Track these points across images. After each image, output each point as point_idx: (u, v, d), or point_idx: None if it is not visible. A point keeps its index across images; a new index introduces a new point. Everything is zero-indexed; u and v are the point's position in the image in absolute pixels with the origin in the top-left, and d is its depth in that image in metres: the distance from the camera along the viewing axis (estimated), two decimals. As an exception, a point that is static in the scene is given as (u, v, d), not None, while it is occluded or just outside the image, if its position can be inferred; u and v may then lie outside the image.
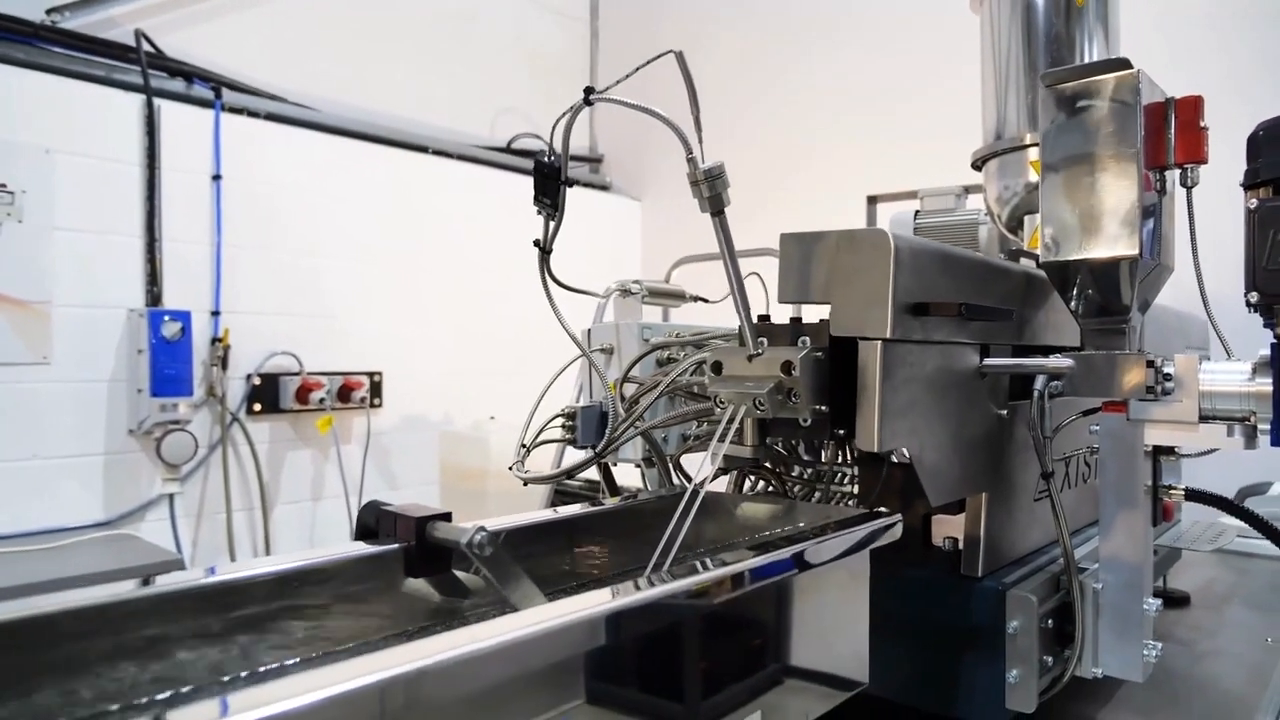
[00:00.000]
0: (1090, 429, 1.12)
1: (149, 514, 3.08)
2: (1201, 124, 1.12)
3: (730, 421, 0.81)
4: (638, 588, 0.58)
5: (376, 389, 3.69)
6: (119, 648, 0.56)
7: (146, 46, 3.26)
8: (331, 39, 3.98)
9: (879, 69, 3.98)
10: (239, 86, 3.53)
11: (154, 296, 3.10)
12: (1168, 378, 1.06)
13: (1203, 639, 1.68)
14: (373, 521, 0.71)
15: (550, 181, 0.88)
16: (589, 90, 0.81)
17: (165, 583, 0.60)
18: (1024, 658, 1.03)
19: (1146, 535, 1.11)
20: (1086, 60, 1.67)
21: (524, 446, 1.27)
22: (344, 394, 3.53)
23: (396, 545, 0.68)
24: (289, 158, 3.58)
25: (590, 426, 1.30)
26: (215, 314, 3.27)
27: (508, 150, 4.69)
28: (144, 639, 0.56)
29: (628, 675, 0.60)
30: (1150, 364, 1.07)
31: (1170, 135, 1.12)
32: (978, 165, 1.76)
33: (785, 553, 0.72)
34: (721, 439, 0.79)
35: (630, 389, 1.20)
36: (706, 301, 1.60)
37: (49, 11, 3.14)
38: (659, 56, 0.81)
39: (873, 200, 2.02)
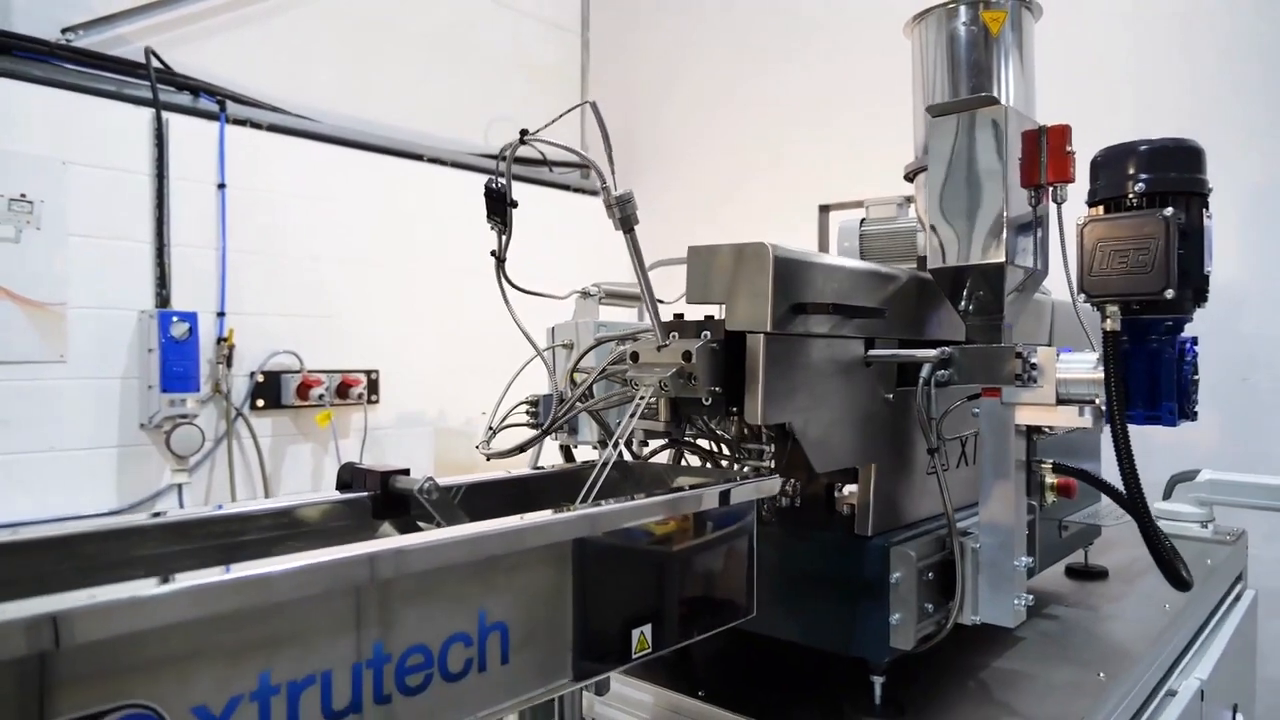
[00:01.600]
0: (973, 412, 1.31)
1: (159, 503, 3.26)
2: (1069, 149, 1.30)
3: (642, 399, 0.99)
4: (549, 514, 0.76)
5: (374, 386, 3.88)
6: (130, 560, 0.74)
7: (155, 63, 3.45)
8: (331, 51, 4.17)
9: (834, 86, 4.24)
10: (242, 99, 3.72)
11: (163, 299, 3.30)
12: (1033, 367, 1.24)
13: (1108, 605, 1.87)
14: (348, 477, 0.90)
15: (498, 203, 1.06)
16: (523, 132, 0.99)
17: (175, 513, 0.78)
18: (905, 604, 1.21)
19: (1019, 502, 1.29)
20: (1003, 82, 1.85)
21: (490, 429, 1.45)
22: (342, 391, 3.72)
23: (366, 494, 0.87)
24: (290, 166, 3.77)
25: (550, 411, 1.49)
26: (220, 315, 3.46)
27: (500, 157, 4.87)
28: (154, 555, 0.74)
29: (535, 585, 0.78)
30: (1019, 355, 1.25)
31: (1043, 158, 1.31)
32: (909, 178, 1.94)
33: (681, 495, 0.90)
34: (634, 415, 0.98)
35: (580, 378, 1.38)
36: (662, 301, 1.78)
37: (64, 30, 3.33)
38: (576, 106, 0.99)
39: (825, 209, 2.20)
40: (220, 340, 3.43)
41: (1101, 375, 1.16)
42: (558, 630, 0.77)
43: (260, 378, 3.54)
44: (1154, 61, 3.42)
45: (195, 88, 3.60)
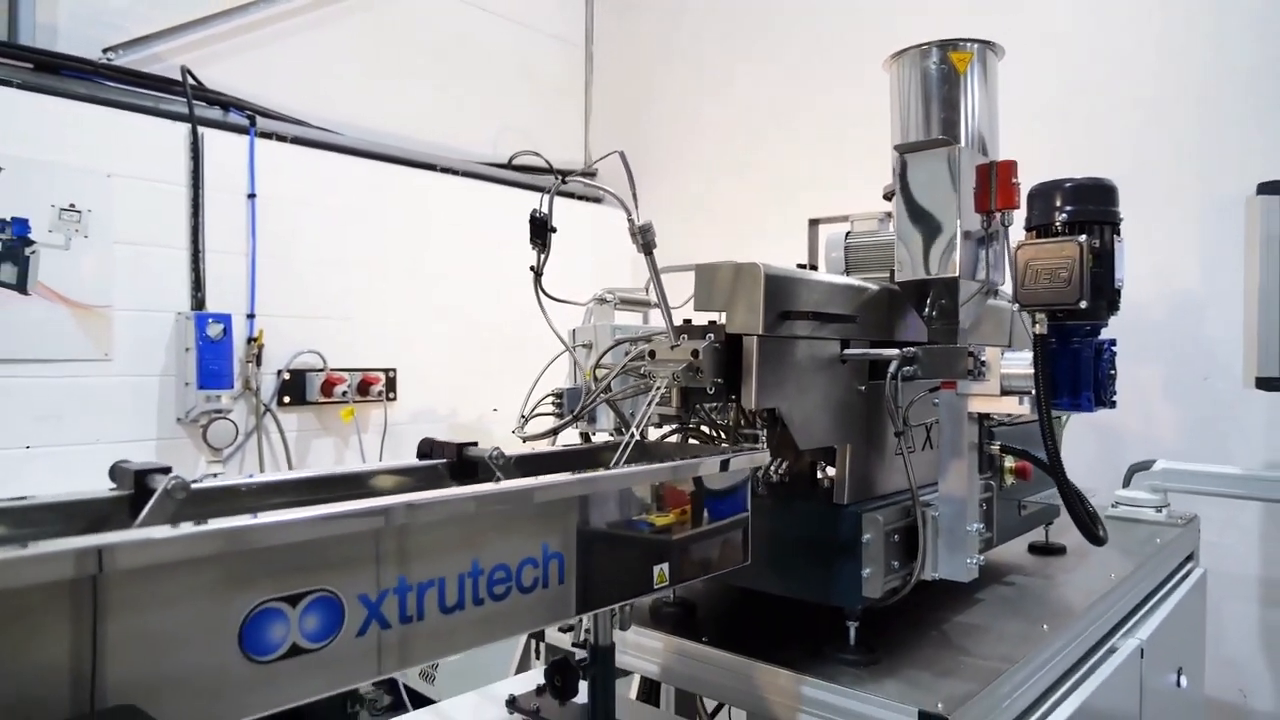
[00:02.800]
0: (933, 402, 1.55)
1: (194, 492, 3.50)
2: (1014, 180, 1.54)
3: (660, 388, 1.23)
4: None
5: (391, 384, 4.12)
6: (284, 504, 0.97)
7: (190, 80, 3.68)
8: (348, 67, 4.42)
9: (826, 110, 4.52)
10: (268, 113, 3.96)
11: (198, 301, 3.53)
12: (982, 364, 1.49)
13: (1061, 575, 2.11)
14: (427, 449, 1.13)
15: (540, 228, 1.30)
16: (564, 175, 1.23)
17: (304, 472, 1.02)
18: (875, 560, 1.45)
19: (972, 477, 1.53)
20: (969, 115, 2.09)
21: (524, 416, 1.69)
22: (363, 388, 3.96)
23: (444, 461, 1.11)
24: (313, 177, 4.01)
25: (574, 402, 1.73)
26: (250, 317, 3.70)
27: (509, 166, 5.11)
28: (301, 501, 0.97)
29: (583, 526, 1.02)
30: (971, 354, 1.49)
31: (993, 188, 1.55)
32: (888, 198, 2.19)
33: (695, 461, 1.15)
34: (652, 401, 1.22)
35: (601, 373, 1.62)
36: (649, 306, 2.02)
37: (104, 50, 3.57)
38: (607, 156, 1.23)
39: (814, 222, 2.42)
40: (250, 340, 3.67)
41: (1033, 371, 1.41)
42: (600, 562, 1.01)
43: (286, 376, 3.78)
44: (1107, 99, 3.69)
45: (225, 103, 3.83)
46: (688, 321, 1.38)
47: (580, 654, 1.25)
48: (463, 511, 0.85)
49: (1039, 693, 1.57)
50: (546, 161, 5.27)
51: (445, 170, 4.65)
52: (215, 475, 3.18)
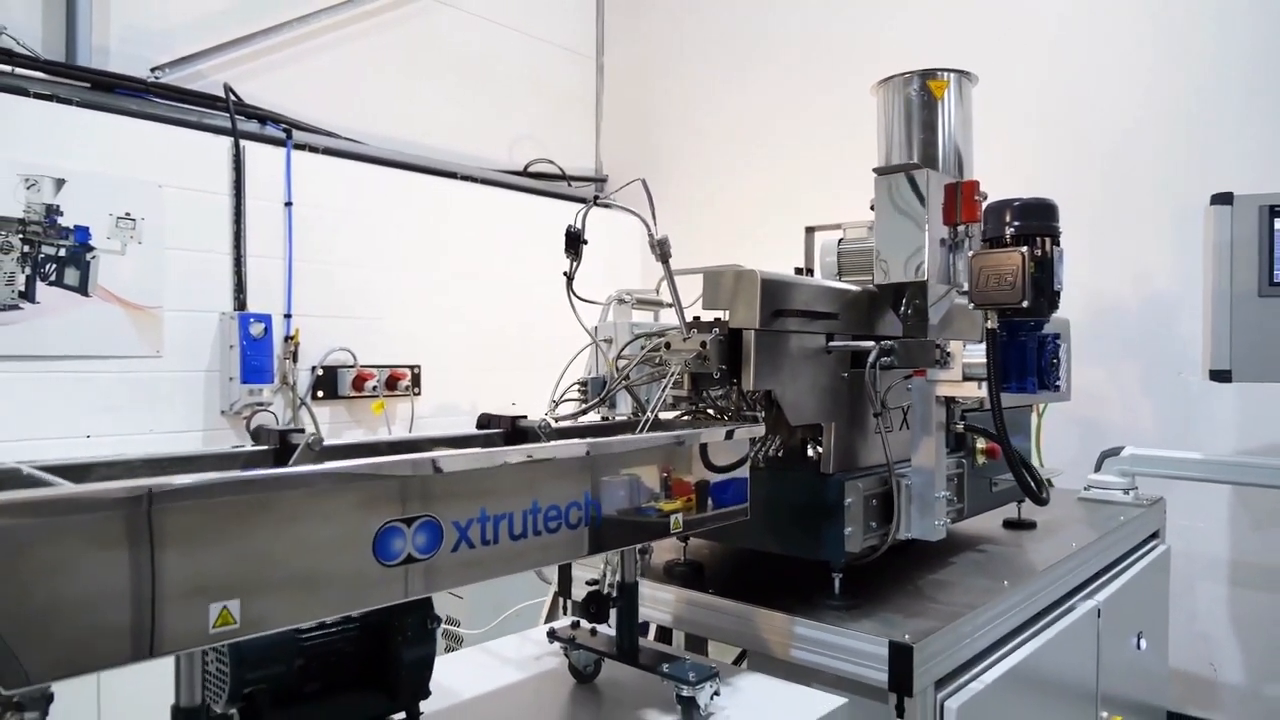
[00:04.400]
0: (907, 388, 1.81)
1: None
2: (977, 197, 1.80)
3: (675, 372, 1.49)
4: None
5: (416, 379, 4.39)
6: None
7: (232, 96, 3.96)
8: (375, 81, 4.70)
9: (823, 123, 4.79)
10: (302, 126, 4.24)
11: (240, 302, 3.81)
12: (947, 355, 1.74)
13: (1030, 544, 2.37)
14: (485, 421, 1.40)
15: (574, 240, 1.56)
16: (596, 196, 1.48)
17: (372, 438, 1.28)
18: (855, 520, 1.71)
19: (940, 451, 1.78)
20: (945, 134, 2.35)
21: (554, 401, 1.95)
22: (391, 383, 4.23)
23: (500, 430, 1.37)
24: (342, 186, 4.28)
25: (596, 389, 1.99)
26: (287, 316, 3.97)
27: (524, 173, 5.40)
28: None
29: (617, 479, 1.28)
30: (938, 346, 1.75)
31: (958, 203, 1.80)
32: (873, 207, 2.44)
33: (707, 429, 1.41)
34: (668, 384, 1.48)
35: (621, 364, 1.89)
36: (662, 305, 2.28)
37: (152, 69, 3.84)
38: (629, 184, 1.48)
39: (810, 229, 2.66)
40: (287, 339, 3.94)
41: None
42: (629, 510, 1.28)
43: (320, 371, 4.05)
44: (1088, 117, 3.96)
45: (263, 116, 4.11)
46: (697, 319, 1.64)
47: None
48: (528, 462, 1.11)
49: (998, 637, 1.82)
50: (560, 169, 5.58)
51: (464, 178, 4.92)
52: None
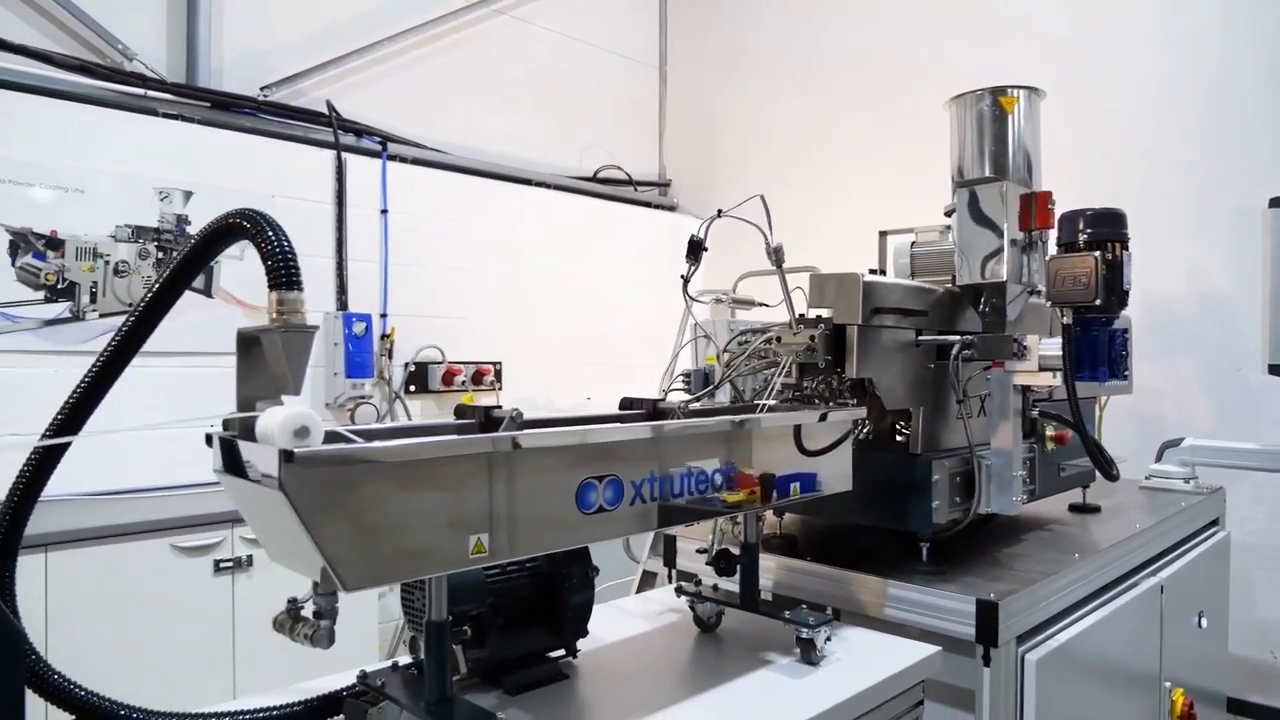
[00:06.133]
0: (986, 378, 2.02)
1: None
2: (1050, 205, 1.99)
3: (787, 362, 1.72)
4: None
5: (499, 375, 4.67)
6: None
7: (334, 113, 4.27)
8: (456, 93, 4.99)
9: (894, 130, 4.94)
10: (394, 138, 4.54)
11: (343, 303, 4.12)
12: (1024, 348, 1.94)
13: (1094, 526, 2.55)
14: (627, 404, 1.64)
15: (696, 248, 1.79)
16: (720, 210, 1.71)
17: (548, 414, 1.52)
18: (942, 495, 1.92)
19: (1017, 435, 1.98)
20: (1014, 145, 2.53)
21: (663, 391, 2.19)
22: (476, 378, 4.51)
23: (643, 411, 1.61)
24: (430, 193, 4.58)
25: (699, 381, 2.23)
26: (383, 316, 4.28)
27: (594, 179, 5.66)
28: None
29: (744, 448, 1.51)
30: (1015, 340, 1.95)
31: (1032, 212, 2.00)
32: (948, 214, 2.64)
33: (819, 409, 1.63)
34: (780, 374, 1.70)
35: (724, 358, 2.12)
36: (767, 305, 2.50)
37: (261, 89, 4.17)
38: (749, 200, 1.71)
39: (883, 234, 2.86)
40: (383, 337, 4.24)
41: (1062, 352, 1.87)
42: (764, 475, 1.51)
43: (412, 367, 4.35)
44: (1149, 124, 4.08)
45: (360, 130, 4.42)
46: (803, 316, 1.86)
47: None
48: (687, 433, 1.35)
49: (1070, 603, 2.01)
50: (627, 174, 5.81)
51: (539, 184, 5.20)
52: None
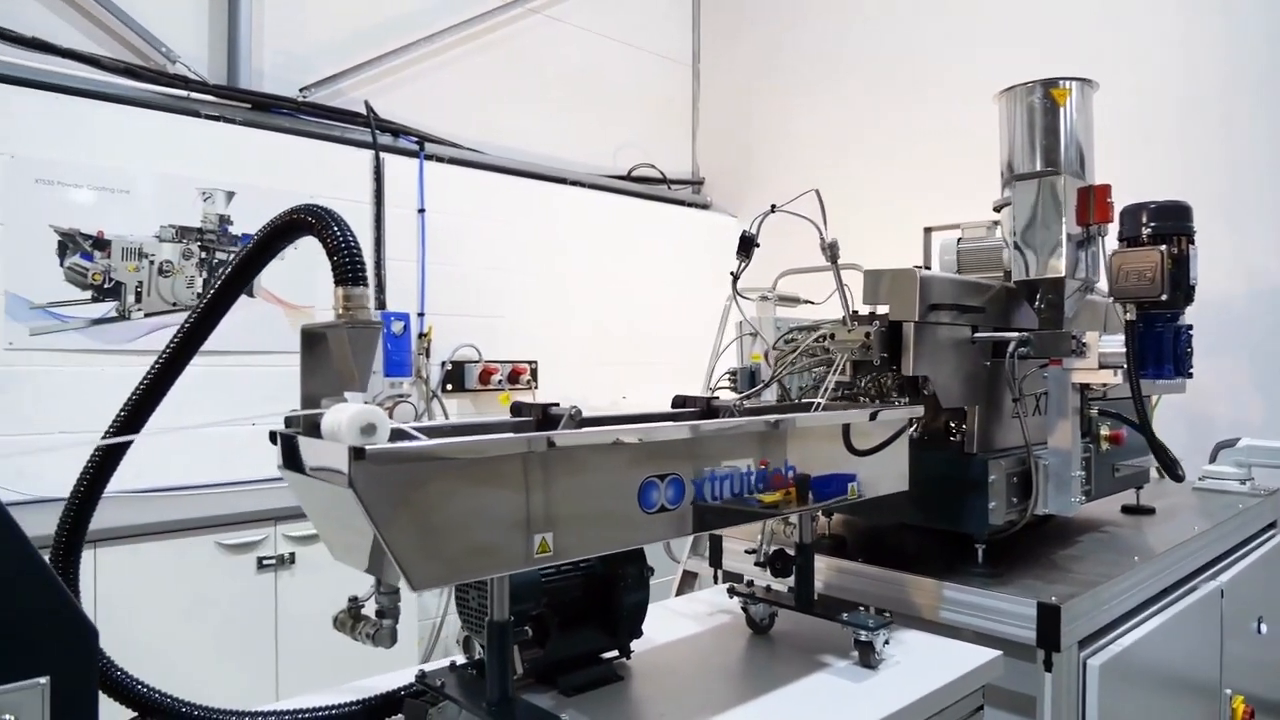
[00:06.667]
0: (1043, 375, 1.97)
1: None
2: (1109, 200, 1.94)
3: (841, 360, 1.69)
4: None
5: (534, 374, 4.67)
6: None
7: (372, 113, 4.29)
8: (492, 94, 5.00)
9: (936, 126, 4.86)
10: (431, 138, 4.56)
11: (381, 302, 4.13)
12: (1083, 345, 1.89)
13: (1149, 528, 2.48)
14: (680, 402, 1.62)
15: (748, 244, 1.77)
16: (773, 206, 1.69)
17: (602, 413, 1.50)
18: (998, 496, 1.88)
19: (1075, 434, 1.94)
20: (1066, 139, 2.48)
21: (710, 389, 2.16)
22: (513, 377, 4.52)
23: (696, 410, 1.59)
24: (466, 193, 4.59)
25: (745, 379, 2.20)
26: (420, 315, 4.29)
27: (628, 178, 5.64)
28: None
29: (793, 447, 1.48)
30: (1074, 337, 1.90)
31: (1091, 206, 1.95)
32: (997, 209, 2.59)
33: (875, 408, 1.60)
34: (835, 371, 1.67)
35: (772, 355, 2.09)
36: (812, 303, 2.47)
37: (300, 90, 4.20)
38: (804, 194, 1.68)
39: (928, 230, 2.81)
40: (421, 336, 4.26)
41: (1125, 349, 1.82)
42: (818, 476, 1.48)
43: (449, 366, 4.36)
44: (1204, 120, 3.98)
45: (397, 130, 4.44)
46: (856, 313, 1.83)
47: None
48: (743, 432, 1.33)
49: (1131, 606, 1.96)
50: (661, 173, 5.79)
51: (574, 183, 5.19)
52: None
